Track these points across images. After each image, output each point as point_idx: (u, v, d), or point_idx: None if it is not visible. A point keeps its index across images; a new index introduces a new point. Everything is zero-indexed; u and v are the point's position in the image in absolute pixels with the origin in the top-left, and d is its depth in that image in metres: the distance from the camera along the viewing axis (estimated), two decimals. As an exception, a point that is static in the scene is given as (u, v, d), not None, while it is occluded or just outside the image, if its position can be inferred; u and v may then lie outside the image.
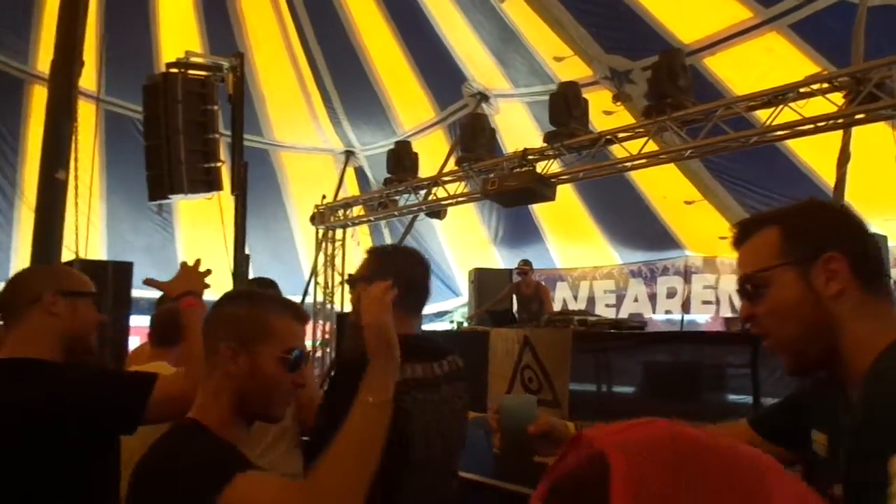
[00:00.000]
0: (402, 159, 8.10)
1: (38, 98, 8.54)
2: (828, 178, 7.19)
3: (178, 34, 9.02)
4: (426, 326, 8.77)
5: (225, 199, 7.69)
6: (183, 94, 7.31)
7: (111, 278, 7.01)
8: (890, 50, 5.06)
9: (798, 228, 1.11)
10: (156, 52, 9.09)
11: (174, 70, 7.36)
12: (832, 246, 1.05)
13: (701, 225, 8.88)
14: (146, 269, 9.34)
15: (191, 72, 7.48)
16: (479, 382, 6.66)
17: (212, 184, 7.49)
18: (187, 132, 7.32)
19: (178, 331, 3.21)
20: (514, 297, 8.40)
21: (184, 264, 2.09)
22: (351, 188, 11.27)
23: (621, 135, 6.09)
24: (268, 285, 3.64)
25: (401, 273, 1.84)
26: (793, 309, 1.07)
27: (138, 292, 8.30)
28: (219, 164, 7.51)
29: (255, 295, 1.51)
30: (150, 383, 1.70)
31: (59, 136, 4.23)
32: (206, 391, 1.39)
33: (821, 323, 1.05)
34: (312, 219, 9.54)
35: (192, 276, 2.03)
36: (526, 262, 8.37)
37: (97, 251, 9.33)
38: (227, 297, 1.47)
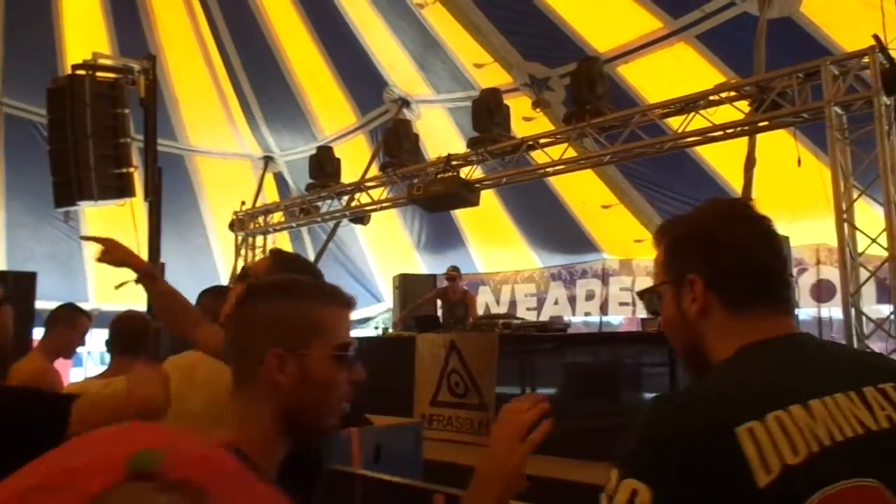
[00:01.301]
0: (324, 165, 8.02)
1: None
2: (734, 182, 7.59)
3: (84, 34, 8.62)
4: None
5: (137, 205, 7.42)
6: (91, 96, 7.00)
7: (12, 289, 6.62)
8: (788, 61, 5.39)
9: (674, 247, 1.14)
10: (60, 53, 8.65)
11: (81, 72, 7.04)
12: (694, 267, 1.08)
13: (617, 228, 9.17)
14: (51, 279, 8.89)
15: (99, 74, 7.17)
16: (406, 388, 6.65)
17: (124, 190, 7.20)
18: (96, 136, 7.02)
19: (139, 340, 3.15)
20: (440, 301, 8.43)
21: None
22: (270, 194, 11.04)
23: (542, 140, 6.21)
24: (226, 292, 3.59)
25: None
26: (673, 325, 1.13)
27: (42, 304, 7.88)
28: (131, 170, 7.23)
29: (292, 284, 1.21)
30: (65, 409, 1.63)
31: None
32: (241, 409, 1.13)
33: (692, 341, 1.09)
34: (231, 225, 9.30)
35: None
36: (455, 269, 8.41)
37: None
38: (259, 292, 1.20)
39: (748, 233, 1.10)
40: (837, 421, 0.91)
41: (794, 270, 6.81)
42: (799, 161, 5.08)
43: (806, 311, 7.39)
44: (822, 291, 7.62)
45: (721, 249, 1.09)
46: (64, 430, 1.57)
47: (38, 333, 7.44)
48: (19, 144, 8.59)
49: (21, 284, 6.85)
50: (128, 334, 3.08)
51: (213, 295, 3.04)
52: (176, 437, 0.50)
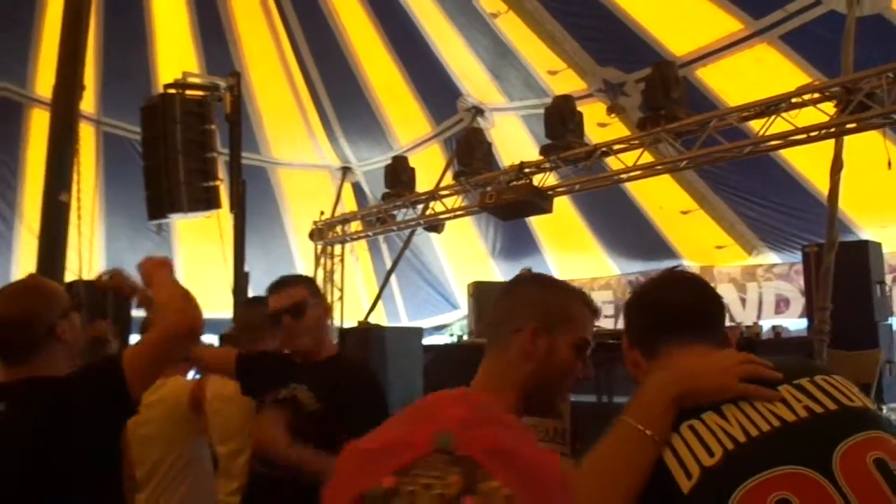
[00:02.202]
0: (399, 174, 8.16)
1: (38, 121, 8.60)
2: (821, 185, 7.28)
3: (174, 55, 9.08)
4: (427, 340, 8.78)
5: (224, 217, 7.74)
6: (181, 114, 7.36)
7: (111, 299, 7.03)
8: (879, 59, 5.14)
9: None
10: (153, 72, 9.14)
11: (172, 90, 7.42)
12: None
13: (697, 234, 8.94)
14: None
15: (188, 92, 7.54)
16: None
17: (211, 202, 7.54)
18: (186, 152, 7.37)
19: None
20: None
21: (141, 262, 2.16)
22: (348, 204, 11.31)
23: (616, 146, 6.15)
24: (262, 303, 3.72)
25: None
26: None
27: (139, 312, 8.30)
28: (217, 183, 7.55)
29: (553, 280, 1.49)
30: (116, 361, 1.80)
31: (61, 159, 4.27)
32: (498, 371, 1.30)
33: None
34: (311, 235, 9.58)
35: (154, 258, 2.14)
36: (527, 270, 8.38)
37: (95, 271, 9.34)
38: (527, 280, 1.48)
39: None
40: (752, 419, 0.95)
41: (888, 278, 6.46)
42: (889, 163, 4.84)
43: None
44: (918, 299, 7.20)
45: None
46: (123, 381, 1.75)
47: (134, 341, 7.91)
48: (115, 161, 9.11)
49: (119, 294, 7.23)
50: None
51: (249, 306, 3.17)
52: (467, 418, 0.59)
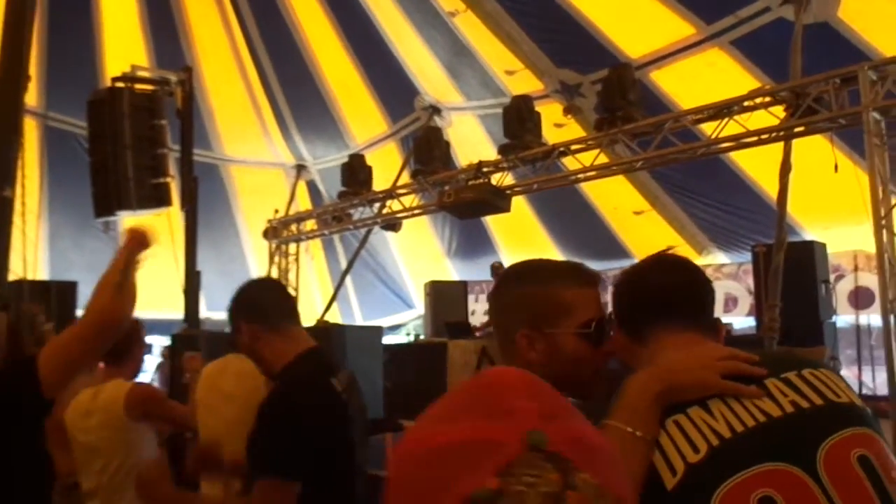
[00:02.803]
0: (356, 172, 8.09)
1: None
2: (769, 187, 7.48)
3: (123, 47, 8.82)
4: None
5: (174, 215, 7.55)
6: (130, 108, 7.16)
7: (54, 298, 6.80)
8: (824, 65, 5.31)
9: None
10: (99, 66, 8.87)
11: (120, 84, 7.21)
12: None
13: (649, 235, 9.09)
14: (91, 289, 9.08)
15: (137, 86, 7.33)
16: (438, 394, 6.66)
17: (161, 199, 7.34)
18: (135, 147, 7.17)
19: (127, 346, 3.22)
20: None
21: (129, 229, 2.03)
22: (302, 202, 11.17)
23: (574, 147, 6.21)
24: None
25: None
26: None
27: (82, 313, 8.05)
28: (168, 180, 7.37)
29: (539, 268, 1.31)
30: (31, 361, 1.71)
31: (5, 152, 4.10)
32: None
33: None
34: (265, 233, 9.43)
35: (139, 231, 2.00)
36: (500, 264, 8.32)
37: (38, 270, 9.02)
38: (510, 278, 1.32)
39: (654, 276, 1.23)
40: (738, 413, 0.94)
41: (832, 277, 6.68)
42: (836, 167, 5.00)
43: (844, 319, 7.24)
44: (860, 298, 7.48)
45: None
46: (38, 382, 1.65)
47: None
48: (60, 156, 8.81)
49: (63, 294, 7.00)
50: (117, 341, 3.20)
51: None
52: (544, 410, 0.59)
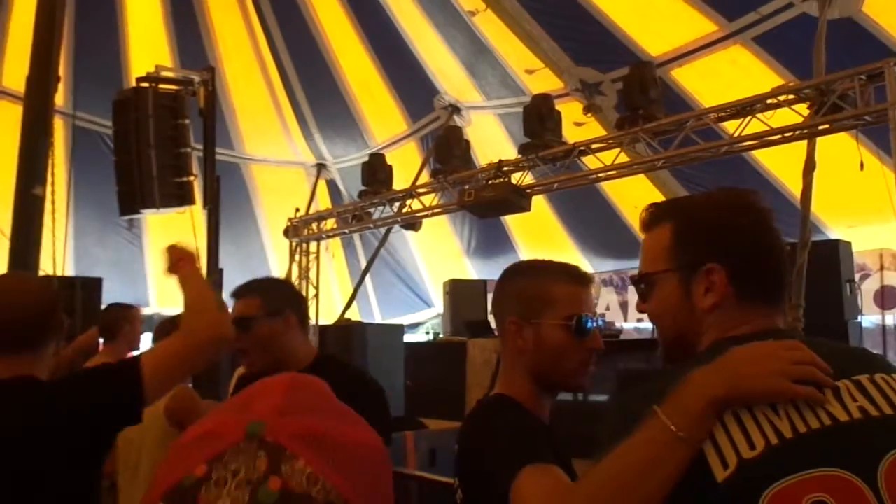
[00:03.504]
0: (376, 171, 8.12)
1: (3, 113, 8.38)
2: (792, 186, 7.41)
3: (147, 48, 8.94)
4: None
5: (196, 213, 7.63)
6: (154, 108, 7.24)
7: (79, 294, 6.92)
8: (849, 62, 5.25)
9: (687, 232, 1.09)
10: (124, 66, 8.98)
11: (145, 84, 7.29)
12: (714, 256, 1.04)
13: (670, 233, 9.04)
14: (114, 285, 9.21)
15: (161, 86, 7.42)
16: (458, 392, 6.69)
17: (184, 198, 7.42)
18: (159, 146, 7.25)
19: (117, 327, 3.42)
20: None
21: (169, 246, 1.98)
22: (322, 201, 11.24)
23: (594, 146, 6.19)
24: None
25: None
26: (671, 314, 1.10)
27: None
28: (191, 179, 7.45)
29: (535, 265, 1.46)
30: (135, 364, 1.65)
31: (35, 151, 4.17)
32: (504, 367, 1.40)
33: (688, 332, 1.07)
34: (286, 232, 9.49)
35: (183, 248, 1.95)
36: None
37: (63, 267, 9.17)
38: (508, 272, 1.46)
39: (765, 226, 1.07)
40: (804, 414, 0.89)
41: (857, 276, 6.61)
42: (861, 164, 4.95)
43: (869, 319, 7.16)
44: (885, 298, 7.39)
45: (745, 242, 1.05)
46: (140, 389, 1.60)
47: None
48: (85, 155, 8.94)
49: (88, 290, 7.12)
50: (109, 324, 3.53)
51: None
52: (282, 405, 0.61)
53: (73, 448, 1.55)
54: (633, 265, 10.17)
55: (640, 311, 1.16)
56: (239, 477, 0.54)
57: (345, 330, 5.85)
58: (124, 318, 3.57)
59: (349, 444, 0.60)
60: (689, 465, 0.88)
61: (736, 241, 1.06)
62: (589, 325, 1.34)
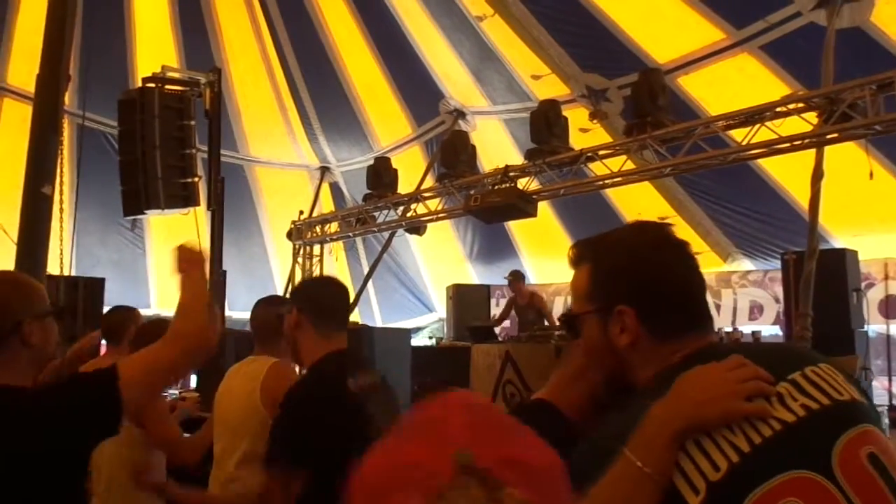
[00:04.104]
0: (381, 175, 8.11)
1: (8, 111, 8.37)
2: (796, 194, 7.43)
3: (153, 48, 8.93)
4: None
5: (199, 214, 7.62)
6: (160, 108, 7.23)
7: (82, 294, 6.89)
8: (856, 71, 5.25)
9: (599, 275, 1.12)
10: (130, 66, 8.98)
11: (151, 85, 7.28)
12: (624, 298, 1.06)
13: (674, 241, 9.03)
14: (116, 285, 9.18)
15: (167, 87, 7.41)
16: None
17: (189, 199, 7.41)
18: (164, 147, 7.24)
19: (122, 330, 3.30)
20: (514, 310, 8.42)
21: (178, 246, 1.90)
22: (325, 204, 11.23)
23: (602, 152, 6.19)
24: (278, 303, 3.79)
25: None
26: (597, 354, 1.12)
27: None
28: (196, 180, 7.44)
29: None
30: (111, 373, 1.56)
31: (45, 150, 4.16)
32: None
33: (617, 369, 1.10)
34: (289, 234, 9.47)
35: (191, 249, 1.88)
36: (512, 273, 8.39)
37: (70, 267, 9.15)
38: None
39: (677, 260, 1.09)
40: (756, 425, 0.91)
41: (862, 285, 6.60)
42: (871, 174, 4.96)
43: (873, 328, 7.16)
44: (890, 307, 7.38)
45: (654, 280, 1.08)
46: (118, 398, 1.53)
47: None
48: (89, 154, 8.92)
49: (91, 290, 7.08)
50: (114, 327, 3.38)
51: (268, 305, 3.10)
52: (475, 426, 0.61)
53: (47, 464, 1.48)
54: (635, 272, 10.23)
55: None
56: None
57: (351, 333, 5.80)
58: (129, 321, 3.48)
59: (545, 466, 0.61)
60: (662, 498, 0.90)
61: (645, 282, 1.08)
62: None
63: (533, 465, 0.60)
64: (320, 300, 2.23)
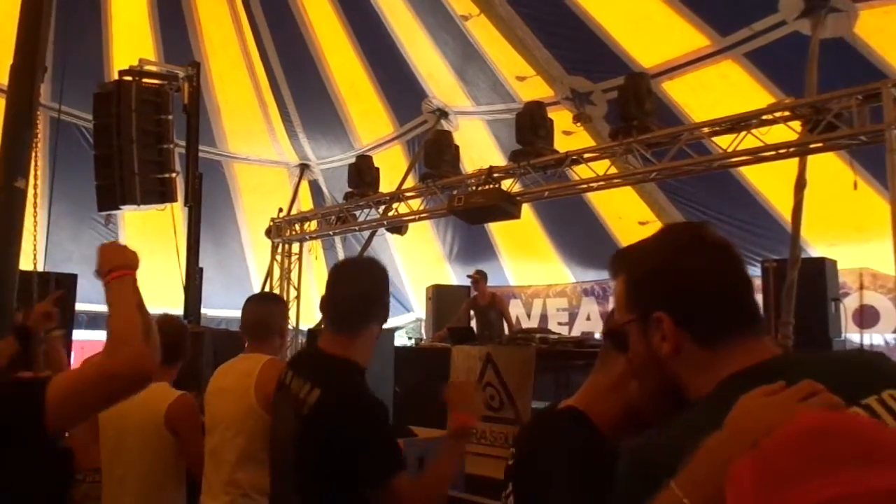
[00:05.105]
0: (363, 174, 8.02)
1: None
2: (774, 201, 7.50)
3: (130, 40, 8.74)
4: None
5: (177, 210, 7.49)
6: (137, 102, 7.09)
7: (54, 290, 6.70)
8: (839, 81, 5.29)
9: (636, 282, 1.09)
10: (106, 58, 8.77)
11: (128, 78, 7.13)
12: (659, 304, 1.03)
13: (653, 245, 9.06)
14: (89, 281, 8.98)
15: (145, 80, 7.26)
16: (441, 399, 6.59)
17: (166, 195, 7.27)
18: (141, 141, 7.11)
19: (177, 347, 3.08)
20: (473, 311, 8.38)
21: (102, 245, 1.75)
22: (304, 202, 11.10)
23: (587, 155, 6.17)
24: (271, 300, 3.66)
25: None
26: (644, 367, 1.08)
27: (81, 306, 7.94)
28: (173, 175, 7.30)
29: None
30: (42, 384, 1.44)
31: (19, 143, 4.03)
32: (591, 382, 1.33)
33: (666, 380, 1.05)
34: (268, 232, 9.33)
35: (118, 251, 1.71)
36: (478, 272, 8.36)
37: (44, 263, 8.94)
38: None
39: (713, 261, 1.05)
40: None
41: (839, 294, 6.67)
42: (855, 184, 5.00)
43: (847, 338, 7.24)
44: (865, 317, 7.47)
45: (687, 283, 1.04)
46: (41, 414, 1.41)
47: (78, 335, 7.52)
48: (62, 148, 8.71)
49: (63, 286, 6.90)
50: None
51: (260, 302, 3.02)
52: None
53: None
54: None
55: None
56: None
57: (331, 334, 5.74)
58: (181, 336, 3.19)
59: None
60: None
61: (676, 286, 1.04)
62: None
63: None
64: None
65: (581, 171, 6.52)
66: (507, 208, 6.34)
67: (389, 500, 1.84)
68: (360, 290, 2.05)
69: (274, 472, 2.17)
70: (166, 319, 2.78)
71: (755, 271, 8.26)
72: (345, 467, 1.82)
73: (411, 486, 1.88)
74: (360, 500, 1.85)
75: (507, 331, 8.01)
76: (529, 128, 6.33)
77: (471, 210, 6.51)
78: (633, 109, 5.69)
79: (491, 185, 6.59)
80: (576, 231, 9.59)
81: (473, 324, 8.36)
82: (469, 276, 8.34)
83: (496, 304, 8.27)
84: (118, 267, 1.63)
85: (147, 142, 7.20)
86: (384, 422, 1.93)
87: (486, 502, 4.38)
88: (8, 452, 1.43)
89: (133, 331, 1.52)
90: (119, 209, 7.17)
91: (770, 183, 7.25)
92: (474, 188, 6.72)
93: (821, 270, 5.95)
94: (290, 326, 8.17)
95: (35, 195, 4.24)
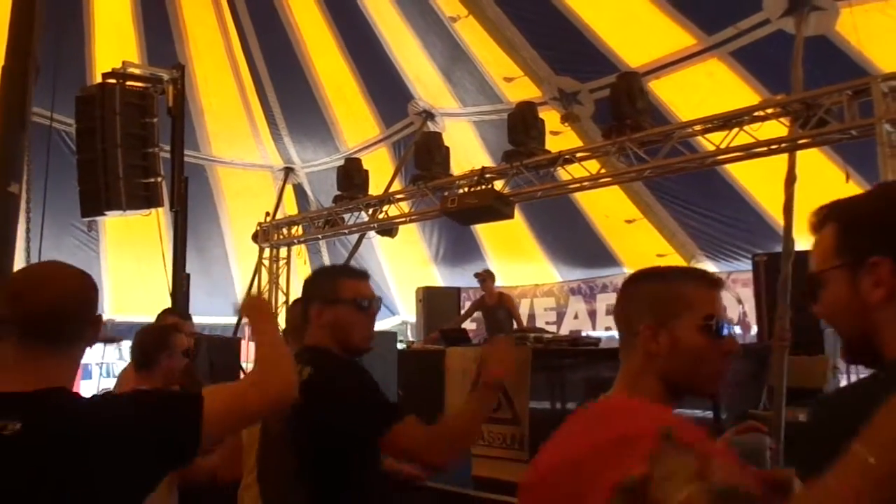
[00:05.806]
0: (352, 176, 7.97)
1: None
2: (759, 196, 7.61)
3: (114, 42, 8.61)
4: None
5: (161, 215, 7.40)
6: (121, 105, 6.99)
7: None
8: (822, 78, 5.39)
9: (850, 229, 1.09)
10: (88, 61, 8.62)
11: (111, 81, 7.02)
12: (879, 249, 1.02)
13: (639, 243, 9.15)
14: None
15: (129, 83, 7.16)
16: (436, 402, 6.57)
17: (151, 200, 7.17)
18: (125, 146, 7.00)
19: (156, 353, 3.04)
20: (481, 312, 8.33)
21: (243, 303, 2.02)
22: (288, 206, 11.01)
23: (579, 154, 6.20)
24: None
25: None
26: (844, 313, 1.08)
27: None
28: (159, 180, 7.20)
29: (665, 270, 1.42)
30: (197, 400, 1.47)
31: (12, 147, 3.94)
32: (627, 373, 1.32)
33: (865, 330, 1.05)
34: (255, 237, 9.23)
35: (253, 300, 1.97)
36: (485, 271, 8.29)
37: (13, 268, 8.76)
38: (636, 277, 1.41)
39: None
40: None
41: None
42: (847, 177, 5.10)
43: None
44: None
45: None
46: (199, 428, 1.44)
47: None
48: (42, 151, 8.55)
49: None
50: (139, 348, 3.02)
51: (294, 305, 3.02)
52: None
53: (110, 487, 1.35)
54: (601, 274, 10.25)
55: (814, 313, 1.14)
56: (682, 474, 0.64)
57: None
58: (158, 344, 3.06)
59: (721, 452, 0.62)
60: None
61: None
62: (725, 327, 1.30)
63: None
64: None
65: (573, 170, 6.55)
66: (500, 209, 6.34)
67: (401, 444, 1.89)
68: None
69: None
70: (147, 329, 2.92)
71: (738, 265, 8.42)
72: (344, 427, 1.87)
73: (426, 430, 1.91)
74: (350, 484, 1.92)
75: (516, 331, 7.95)
76: (522, 128, 6.34)
77: (464, 211, 6.50)
78: (626, 108, 5.73)
79: (483, 186, 6.59)
80: (562, 230, 9.63)
81: (475, 325, 8.32)
82: (476, 275, 8.23)
83: (504, 303, 8.19)
84: (257, 310, 1.84)
85: (132, 146, 7.09)
86: (374, 383, 2.03)
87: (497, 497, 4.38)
88: (163, 465, 1.46)
89: (285, 358, 1.66)
90: (104, 215, 7.03)
91: (755, 179, 7.35)
92: (466, 189, 6.72)
93: (809, 263, 6.02)
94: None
95: (28, 200, 4.14)
